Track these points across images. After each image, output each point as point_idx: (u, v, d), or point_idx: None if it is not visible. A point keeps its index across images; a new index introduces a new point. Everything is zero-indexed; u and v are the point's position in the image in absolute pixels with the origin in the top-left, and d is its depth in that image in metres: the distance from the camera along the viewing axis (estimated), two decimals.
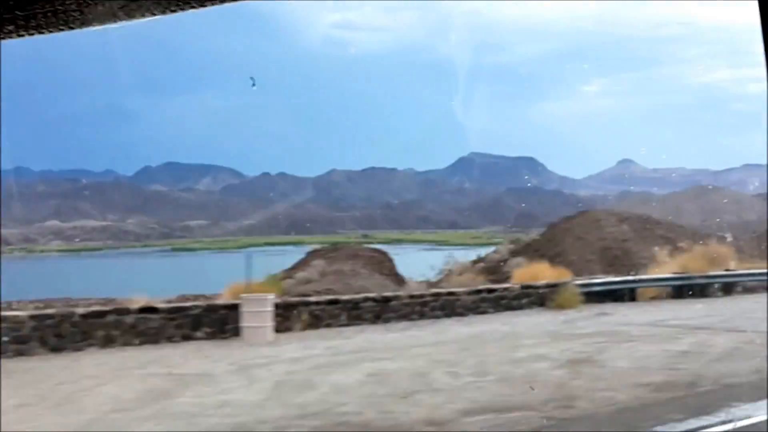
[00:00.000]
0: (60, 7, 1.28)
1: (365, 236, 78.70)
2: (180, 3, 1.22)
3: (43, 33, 1.34)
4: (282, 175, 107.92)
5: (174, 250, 66.81)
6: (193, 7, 1.23)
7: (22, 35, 1.35)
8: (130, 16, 1.26)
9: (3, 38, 1.34)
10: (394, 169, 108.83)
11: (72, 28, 1.32)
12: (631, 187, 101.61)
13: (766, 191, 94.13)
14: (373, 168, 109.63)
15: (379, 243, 66.16)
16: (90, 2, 1.26)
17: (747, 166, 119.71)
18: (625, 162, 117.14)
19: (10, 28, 1.33)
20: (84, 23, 1.31)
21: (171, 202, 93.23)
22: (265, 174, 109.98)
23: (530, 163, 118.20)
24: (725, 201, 78.91)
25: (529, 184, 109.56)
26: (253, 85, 39.71)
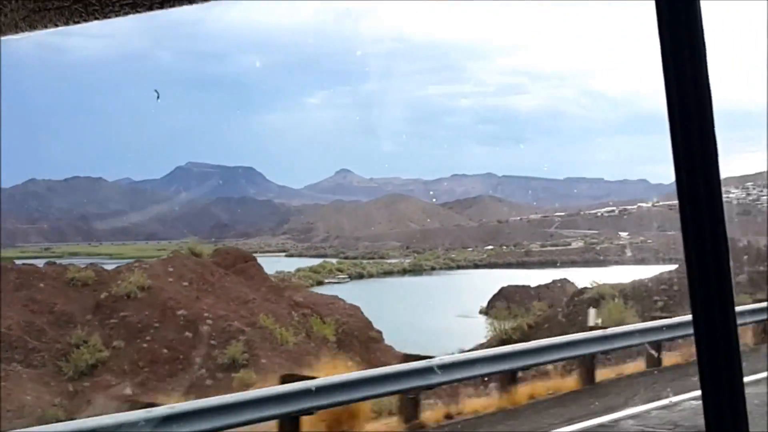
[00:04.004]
0: None
1: (47, 249, 73.19)
2: (83, 14, 1.17)
3: None
4: None
5: None
6: (97, 18, 1.18)
7: None
8: (32, 27, 1.21)
9: None
10: (100, 179, 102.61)
11: None
12: (344, 197, 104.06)
13: (458, 199, 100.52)
14: (77, 177, 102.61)
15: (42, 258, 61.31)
16: None
17: (455, 176, 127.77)
18: (343, 172, 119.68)
19: None
20: None
21: None
22: None
23: (249, 173, 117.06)
24: (412, 209, 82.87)
25: (242, 194, 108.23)
26: (158, 97, 34.82)
